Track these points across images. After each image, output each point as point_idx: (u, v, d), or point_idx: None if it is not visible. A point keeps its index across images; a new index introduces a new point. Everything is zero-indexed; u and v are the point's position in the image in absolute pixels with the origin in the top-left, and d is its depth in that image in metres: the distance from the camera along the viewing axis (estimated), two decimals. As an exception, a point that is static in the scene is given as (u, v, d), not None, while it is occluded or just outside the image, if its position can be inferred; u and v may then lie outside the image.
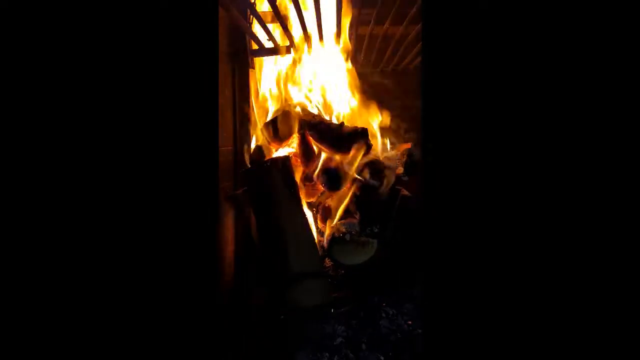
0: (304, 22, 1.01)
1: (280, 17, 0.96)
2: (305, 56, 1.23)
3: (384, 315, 1.26)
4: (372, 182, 1.10)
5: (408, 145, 1.31)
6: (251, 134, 1.20)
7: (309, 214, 1.18)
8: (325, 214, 1.19)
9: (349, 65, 1.31)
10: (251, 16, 1.08)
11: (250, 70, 1.22)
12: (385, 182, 1.09)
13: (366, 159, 1.14)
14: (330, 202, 1.19)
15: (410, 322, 1.24)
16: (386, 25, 1.12)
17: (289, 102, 1.22)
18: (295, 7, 0.91)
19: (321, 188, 1.17)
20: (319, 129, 1.11)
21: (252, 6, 0.96)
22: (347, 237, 1.07)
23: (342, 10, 1.00)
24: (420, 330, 1.18)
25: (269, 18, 1.21)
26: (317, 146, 1.16)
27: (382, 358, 1.06)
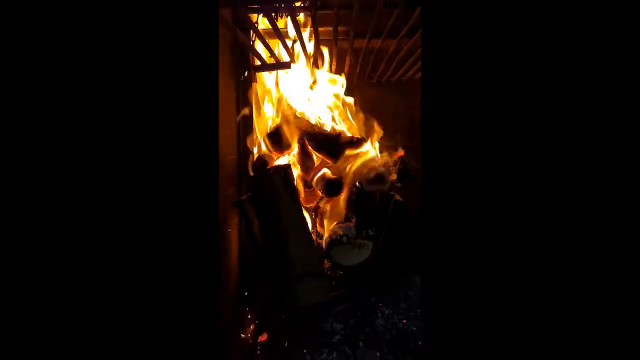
0: (304, 42, 1.09)
1: (280, 36, 1.05)
2: (304, 71, 1.32)
3: (380, 314, 1.32)
4: (367, 188, 1.18)
5: (401, 153, 1.38)
6: (254, 144, 1.28)
7: (308, 218, 1.25)
8: (323, 218, 1.27)
9: (346, 78, 1.40)
10: (253, 34, 1.17)
11: (253, 84, 1.30)
12: (379, 188, 1.17)
13: (361, 166, 1.22)
14: (328, 207, 1.26)
15: (405, 321, 1.30)
16: (381, 39, 1.18)
17: (290, 114, 1.31)
18: (294, 29, 1.00)
19: (320, 194, 1.25)
20: (318, 139, 1.19)
21: (255, 27, 1.05)
22: (344, 239, 1.15)
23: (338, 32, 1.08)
24: (414, 328, 1.25)
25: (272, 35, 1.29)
26: (316, 155, 1.24)
27: (377, 354, 1.12)
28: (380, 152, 1.43)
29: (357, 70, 1.48)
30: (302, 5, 1.16)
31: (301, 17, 1.25)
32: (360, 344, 1.17)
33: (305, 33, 1.22)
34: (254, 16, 1.16)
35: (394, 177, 1.30)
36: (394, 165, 1.33)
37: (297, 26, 1.00)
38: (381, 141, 1.44)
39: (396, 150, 1.44)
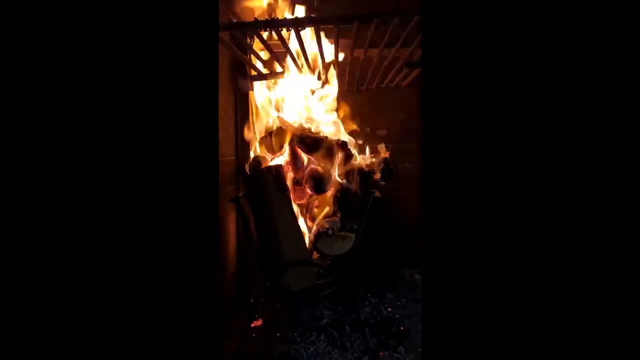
0: (293, 56, 1.23)
1: (272, 53, 1.19)
2: (295, 81, 1.46)
3: (367, 303, 1.45)
4: (351, 185, 1.31)
5: (386, 154, 1.51)
6: (250, 146, 1.42)
7: (298, 213, 1.38)
8: (311, 213, 1.40)
9: (333, 88, 1.54)
10: (248, 50, 1.31)
11: (250, 92, 1.44)
12: (360, 185, 1.30)
13: (347, 167, 1.35)
14: (316, 203, 1.40)
15: (390, 310, 1.42)
16: (365, 48, 1.27)
17: (282, 119, 1.44)
18: (284, 47, 1.13)
19: (309, 191, 1.38)
20: (307, 142, 1.33)
21: (251, 47, 1.19)
22: (330, 232, 1.28)
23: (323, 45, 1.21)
24: (398, 316, 1.37)
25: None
26: (305, 156, 1.37)
27: (361, 336, 1.24)
28: (368, 153, 1.56)
29: (347, 79, 1.61)
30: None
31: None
32: (347, 327, 1.29)
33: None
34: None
35: (378, 176, 1.43)
36: (379, 166, 1.46)
37: (287, 47, 1.14)
38: (368, 143, 1.57)
39: (382, 151, 1.57)
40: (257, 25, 1.03)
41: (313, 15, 1.27)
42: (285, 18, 1.05)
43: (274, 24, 1.02)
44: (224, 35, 1.08)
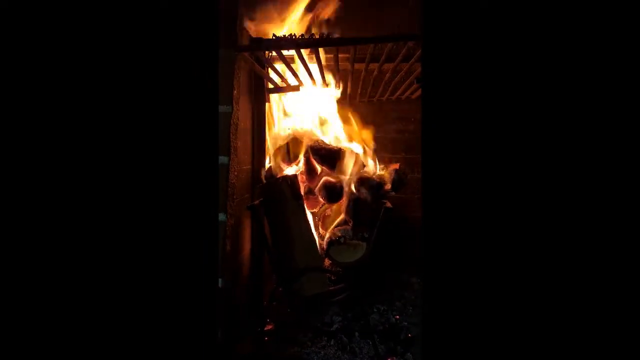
0: (309, 70, 1.28)
1: (290, 67, 1.25)
2: (311, 94, 1.51)
3: (375, 310, 1.48)
4: (363, 195, 1.36)
5: (396, 166, 1.55)
6: (266, 156, 1.47)
7: (312, 221, 1.43)
8: (325, 221, 1.45)
9: (347, 100, 1.59)
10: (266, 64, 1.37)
11: (267, 104, 1.50)
12: (372, 195, 1.34)
13: (358, 177, 1.40)
14: (329, 212, 1.44)
15: (398, 317, 1.45)
16: (380, 63, 1.31)
17: (297, 130, 1.50)
18: (301, 62, 1.19)
19: (322, 200, 1.43)
20: (321, 153, 1.38)
21: (270, 61, 1.25)
22: (342, 240, 1.33)
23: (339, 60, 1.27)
24: (405, 323, 1.40)
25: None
26: (319, 166, 1.42)
27: (370, 342, 1.27)
28: (379, 164, 1.60)
29: (359, 91, 1.66)
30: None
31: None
32: (356, 333, 1.32)
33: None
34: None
35: (388, 186, 1.47)
36: (390, 176, 1.50)
37: (305, 62, 1.20)
38: (378, 154, 1.61)
39: (392, 162, 1.62)
40: (275, 45, 1.09)
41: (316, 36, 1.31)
42: (305, 37, 1.11)
43: (300, 43, 1.07)
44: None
